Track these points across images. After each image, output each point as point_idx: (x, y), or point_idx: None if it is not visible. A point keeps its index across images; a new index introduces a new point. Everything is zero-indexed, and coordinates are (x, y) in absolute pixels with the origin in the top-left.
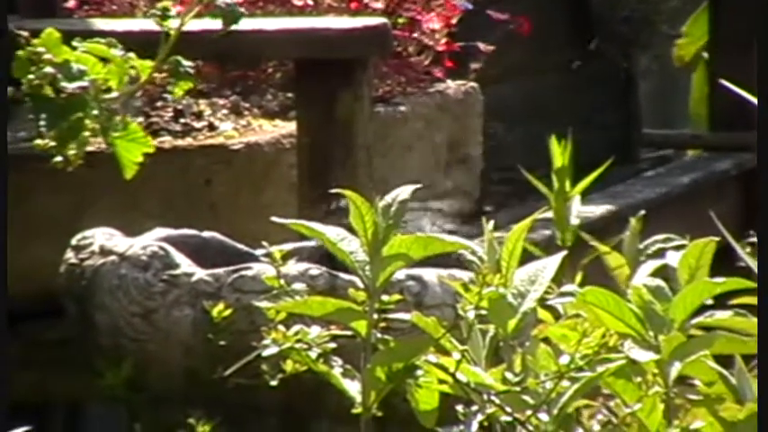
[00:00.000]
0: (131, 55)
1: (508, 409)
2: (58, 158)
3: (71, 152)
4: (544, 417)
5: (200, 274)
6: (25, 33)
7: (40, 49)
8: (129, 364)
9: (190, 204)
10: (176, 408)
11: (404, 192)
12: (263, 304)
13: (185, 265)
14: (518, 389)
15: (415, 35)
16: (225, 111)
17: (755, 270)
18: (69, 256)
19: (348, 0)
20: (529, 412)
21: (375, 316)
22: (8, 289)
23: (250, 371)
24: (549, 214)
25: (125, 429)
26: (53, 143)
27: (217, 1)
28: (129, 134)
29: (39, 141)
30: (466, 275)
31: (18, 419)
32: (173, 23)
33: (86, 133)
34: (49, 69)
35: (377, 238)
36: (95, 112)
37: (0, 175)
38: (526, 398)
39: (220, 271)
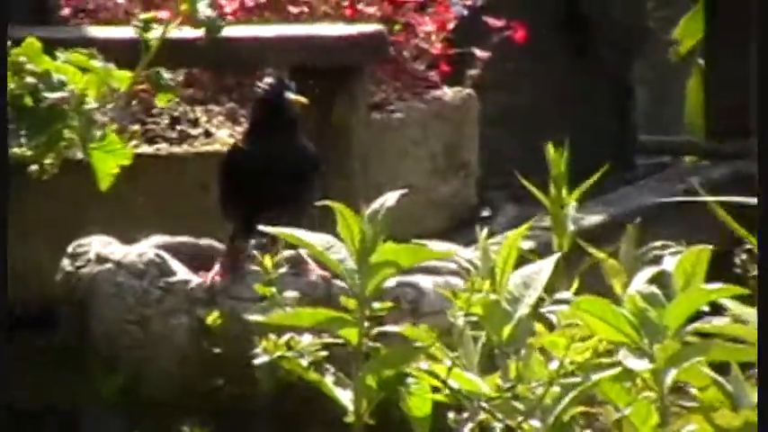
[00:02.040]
0: (111, 66)
1: (499, 416)
2: (35, 167)
3: (47, 162)
4: (536, 423)
5: (197, 281)
6: (8, 43)
7: (22, 59)
8: (125, 372)
9: (186, 211)
10: (171, 414)
11: (390, 199)
12: (254, 317)
13: (181, 272)
14: (509, 395)
15: (411, 40)
16: (221, 118)
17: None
18: (65, 263)
19: (344, 7)
20: (520, 419)
21: (366, 324)
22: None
23: (245, 378)
24: (546, 221)
25: None
26: (30, 152)
27: (198, 14)
28: (106, 145)
29: (15, 150)
30: (461, 282)
31: (15, 426)
32: (154, 34)
33: (63, 143)
34: (30, 79)
35: (364, 246)
36: (75, 122)
37: (1, 178)
38: (517, 404)
39: (216, 278)
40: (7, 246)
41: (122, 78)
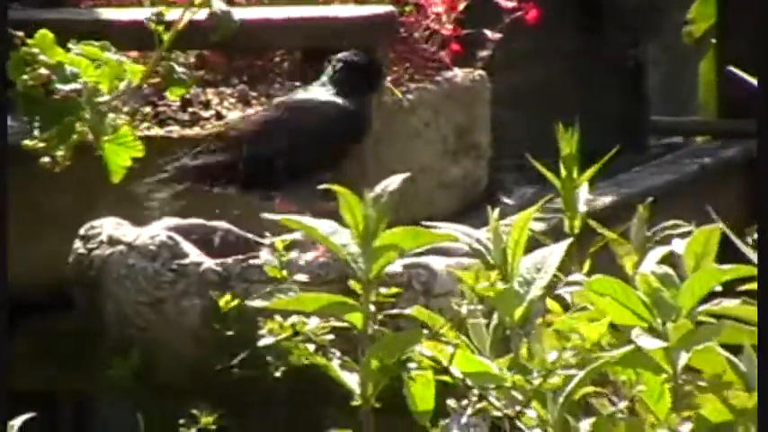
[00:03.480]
0: (124, 58)
1: (498, 405)
2: (46, 159)
3: (59, 153)
4: (531, 413)
5: (209, 263)
6: (20, 34)
7: (35, 50)
8: (138, 354)
9: (197, 193)
10: (184, 397)
11: (394, 182)
12: (257, 302)
13: (194, 254)
14: (520, 377)
15: (422, 21)
16: (232, 100)
17: (755, 260)
18: (78, 245)
19: None
20: (518, 408)
21: (372, 308)
22: (18, 281)
23: (257, 361)
24: (558, 202)
25: (133, 419)
26: (42, 144)
27: (212, 4)
28: (118, 138)
29: (27, 142)
30: (474, 263)
31: (27, 410)
32: (171, 15)
33: (74, 136)
34: (43, 71)
35: (368, 229)
36: (87, 115)
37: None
38: (525, 387)
39: (228, 260)
40: (7, 239)
41: (135, 71)
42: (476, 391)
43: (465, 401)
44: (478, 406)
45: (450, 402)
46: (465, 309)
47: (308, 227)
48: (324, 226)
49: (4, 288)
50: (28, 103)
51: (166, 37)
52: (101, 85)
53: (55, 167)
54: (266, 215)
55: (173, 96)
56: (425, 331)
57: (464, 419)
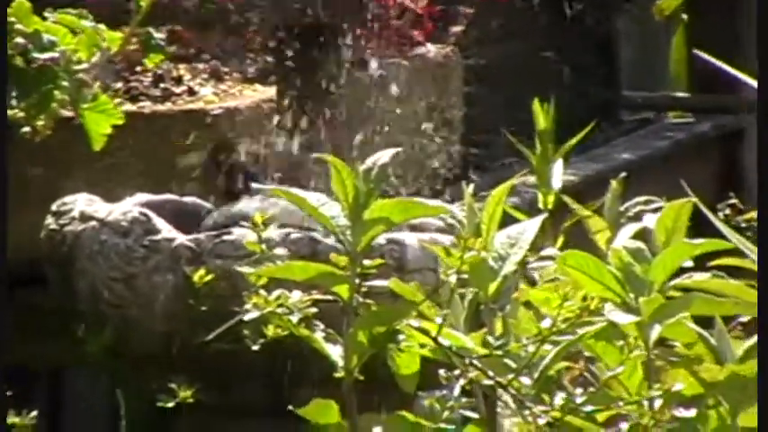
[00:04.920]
0: (101, 26)
1: (490, 373)
2: (26, 129)
3: (39, 123)
4: (525, 380)
5: (181, 239)
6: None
7: (12, 20)
8: (111, 330)
9: (170, 169)
10: (158, 373)
11: (384, 156)
12: (245, 269)
13: (166, 230)
14: (500, 353)
15: None
16: (205, 76)
17: (727, 233)
18: (49, 221)
19: None
20: (511, 376)
21: (357, 280)
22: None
23: (232, 336)
24: (532, 177)
25: (107, 395)
26: (21, 114)
27: None
28: (98, 106)
29: (8, 112)
30: (447, 239)
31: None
32: None
33: (54, 105)
34: (19, 40)
35: (357, 202)
36: (65, 83)
37: (0, 173)
38: (507, 361)
39: (201, 236)
40: (6, 231)
41: (113, 39)
42: (467, 361)
43: (456, 371)
44: (471, 375)
45: (442, 372)
46: (454, 278)
47: (298, 197)
48: (312, 197)
49: (4, 263)
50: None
51: (145, 3)
52: (79, 54)
53: (35, 137)
54: (255, 185)
55: (150, 63)
56: None
57: (457, 388)
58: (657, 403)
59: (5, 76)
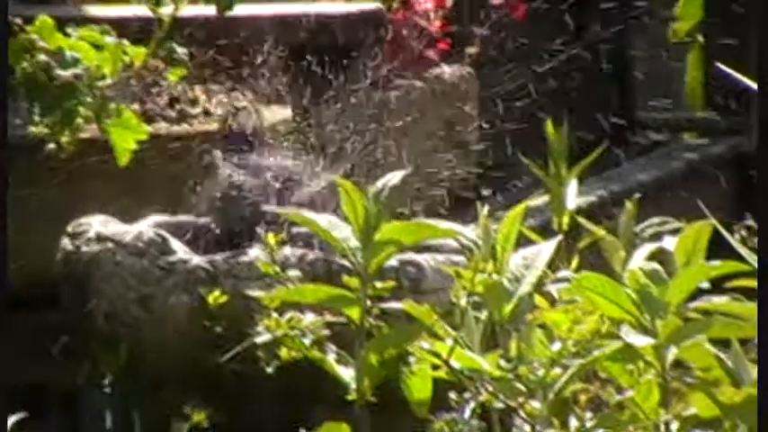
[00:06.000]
0: (125, 42)
1: (501, 396)
2: (52, 145)
3: (64, 139)
4: (537, 404)
5: (197, 260)
6: (19, 21)
7: (34, 37)
8: (126, 351)
9: (185, 190)
10: (173, 393)
11: (395, 177)
12: (257, 293)
13: (181, 251)
14: (511, 375)
15: (410, 18)
16: (220, 97)
17: (745, 255)
18: (65, 242)
19: None
20: (522, 399)
21: (368, 302)
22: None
23: (247, 357)
24: (546, 198)
25: (122, 415)
26: (47, 130)
27: None
28: (123, 122)
29: (32, 129)
30: (463, 260)
31: (15, 406)
32: (166, 10)
33: (80, 120)
34: (43, 57)
35: (368, 224)
36: (89, 99)
37: (0, 176)
38: (519, 385)
39: (217, 257)
40: (7, 230)
41: (137, 54)
42: (478, 384)
43: (467, 394)
44: (481, 398)
45: (453, 395)
46: (464, 300)
47: (309, 220)
48: (323, 220)
49: (5, 281)
50: (29, 89)
51: (167, 19)
52: (103, 70)
53: (60, 154)
54: (267, 207)
55: (174, 77)
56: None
57: (468, 411)
58: (674, 426)
59: (6, 79)
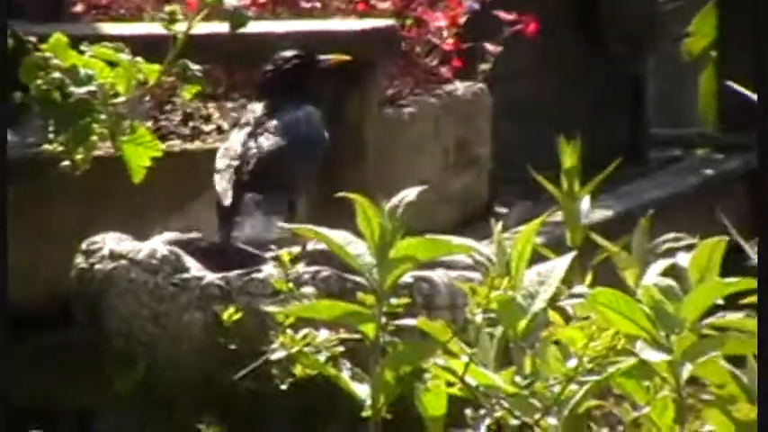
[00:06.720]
0: (139, 59)
1: (517, 413)
2: (66, 163)
3: (78, 156)
4: (553, 420)
5: (211, 277)
6: (33, 39)
7: (48, 55)
8: (140, 368)
9: (199, 207)
10: (188, 411)
11: (410, 194)
12: (272, 308)
13: (195, 268)
14: (527, 392)
15: (423, 35)
16: (233, 114)
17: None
18: (79, 260)
19: (356, 2)
20: (538, 416)
21: (383, 319)
22: (18, 295)
23: (262, 374)
24: (559, 215)
25: None
26: (61, 148)
27: (224, 4)
28: (137, 138)
29: (47, 146)
30: (477, 276)
31: (28, 425)
32: (180, 27)
33: (94, 138)
34: (56, 74)
35: (384, 240)
36: (103, 116)
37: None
38: (534, 401)
39: (230, 274)
40: (7, 244)
41: (151, 71)
42: (493, 400)
43: (482, 411)
44: (497, 414)
45: (468, 411)
46: (479, 317)
47: (324, 236)
48: (339, 236)
49: (5, 298)
50: (43, 107)
51: (181, 36)
52: (117, 87)
53: (75, 171)
54: (281, 224)
55: (188, 95)
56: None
57: (483, 428)
58: None
59: (6, 86)
